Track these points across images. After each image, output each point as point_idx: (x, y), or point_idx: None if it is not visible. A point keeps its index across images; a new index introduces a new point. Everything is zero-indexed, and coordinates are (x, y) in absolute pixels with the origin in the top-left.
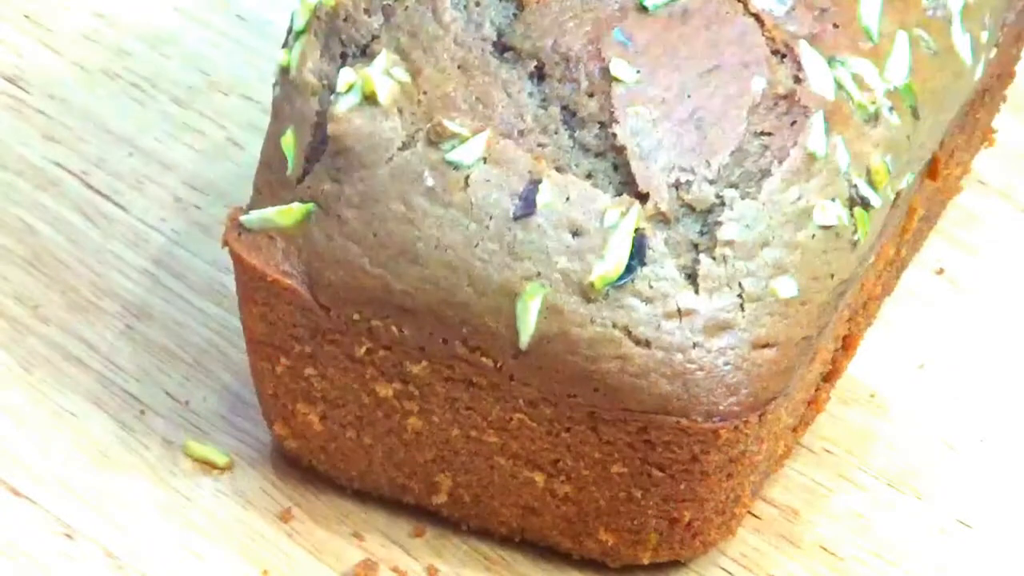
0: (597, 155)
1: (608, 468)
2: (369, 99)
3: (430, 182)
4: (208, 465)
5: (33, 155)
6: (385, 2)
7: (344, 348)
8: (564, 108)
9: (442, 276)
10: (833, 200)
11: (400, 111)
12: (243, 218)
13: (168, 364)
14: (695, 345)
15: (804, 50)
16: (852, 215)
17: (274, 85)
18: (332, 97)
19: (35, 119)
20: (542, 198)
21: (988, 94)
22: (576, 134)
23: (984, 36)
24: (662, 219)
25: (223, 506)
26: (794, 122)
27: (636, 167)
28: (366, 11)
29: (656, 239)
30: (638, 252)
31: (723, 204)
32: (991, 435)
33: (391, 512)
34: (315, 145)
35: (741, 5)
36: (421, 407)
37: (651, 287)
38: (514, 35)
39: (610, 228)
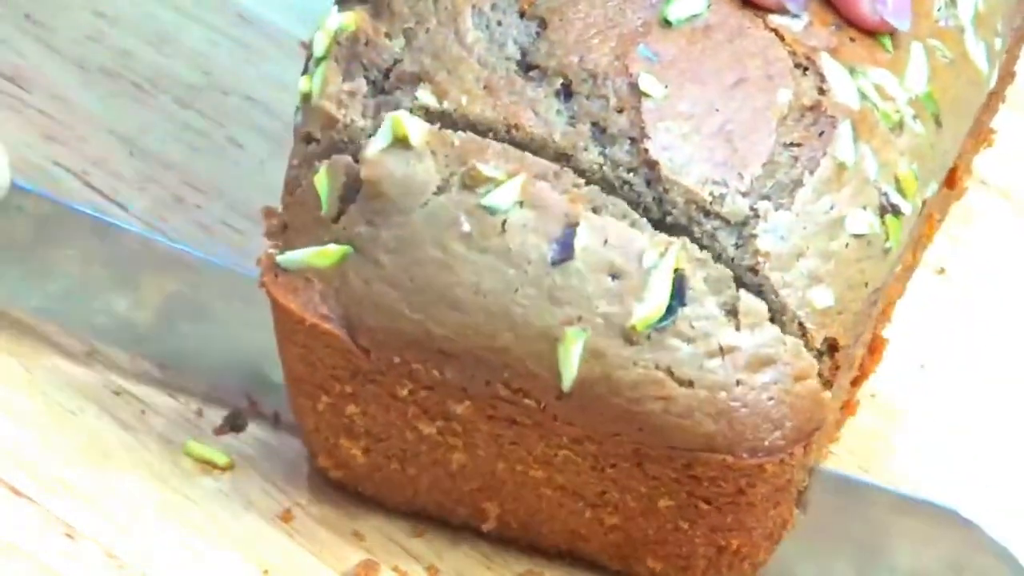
0: (629, 170)
1: (655, 501)
2: (401, 141)
3: (466, 227)
4: (209, 465)
5: (33, 155)
6: (406, 25)
7: (386, 388)
8: (594, 125)
9: (482, 322)
10: (864, 208)
11: (434, 153)
12: (279, 258)
13: (168, 364)
14: (738, 383)
15: (826, 62)
16: (883, 223)
17: (296, 111)
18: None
19: (35, 119)
20: (579, 242)
21: (992, 97)
22: (607, 151)
23: (998, 43)
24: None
25: (224, 506)
26: (822, 132)
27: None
28: (387, 35)
29: (696, 277)
30: (678, 292)
31: (757, 216)
32: (991, 435)
33: (391, 512)
34: (349, 184)
35: (760, 20)
36: (465, 443)
37: (692, 327)
38: (538, 53)
39: (649, 269)
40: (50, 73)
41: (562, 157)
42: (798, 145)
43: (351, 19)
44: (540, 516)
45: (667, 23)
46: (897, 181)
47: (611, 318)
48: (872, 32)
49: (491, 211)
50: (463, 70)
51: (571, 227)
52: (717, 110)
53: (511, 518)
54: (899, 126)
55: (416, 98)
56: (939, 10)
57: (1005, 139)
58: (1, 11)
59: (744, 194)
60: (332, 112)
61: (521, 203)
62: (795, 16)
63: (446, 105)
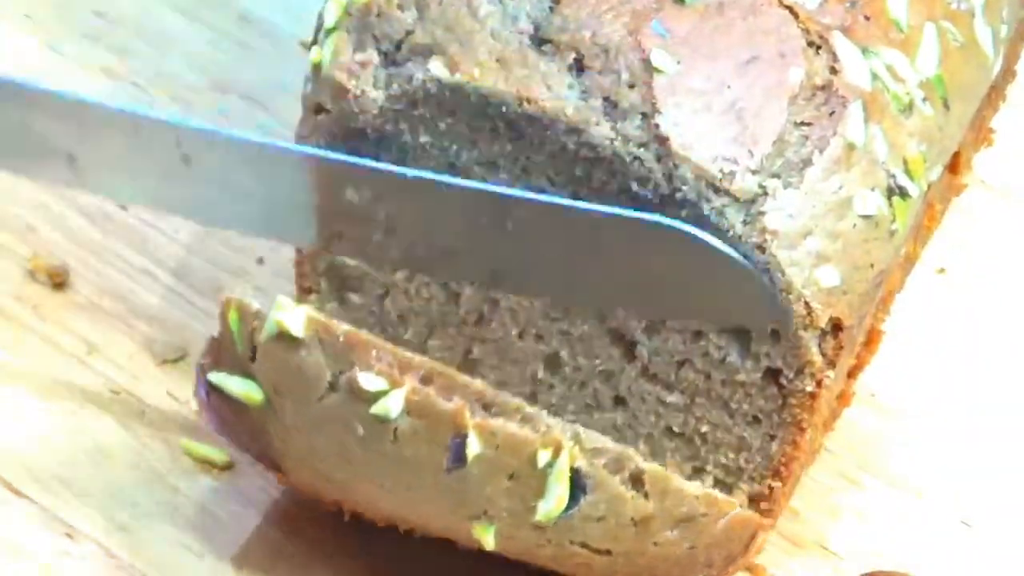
0: (640, 145)
1: None
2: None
3: (360, 432)
4: (208, 464)
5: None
6: None
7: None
8: (605, 99)
9: (395, 507)
10: (873, 190)
11: (322, 342)
12: (211, 377)
13: (168, 364)
14: (655, 544)
15: (839, 41)
16: (891, 204)
17: (305, 81)
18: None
19: None
20: (471, 450)
21: (994, 91)
22: (618, 126)
23: (1004, 30)
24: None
25: (223, 506)
26: (832, 112)
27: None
28: (399, 6)
29: (595, 465)
30: (578, 485)
31: (766, 194)
32: (991, 434)
33: None
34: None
35: None
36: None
37: (599, 508)
38: (551, 27)
39: (545, 468)
40: (50, 73)
41: (572, 132)
42: (808, 124)
43: None
44: None
45: (680, 1)
46: (905, 163)
47: (516, 513)
48: None
49: (381, 419)
50: (476, 43)
51: (460, 438)
52: (729, 87)
53: None
54: (909, 108)
55: (428, 70)
56: None
57: (1005, 139)
58: (1, 11)
59: (754, 172)
60: (343, 82)
61: (408, 412)
62: None
63: (458, 77)
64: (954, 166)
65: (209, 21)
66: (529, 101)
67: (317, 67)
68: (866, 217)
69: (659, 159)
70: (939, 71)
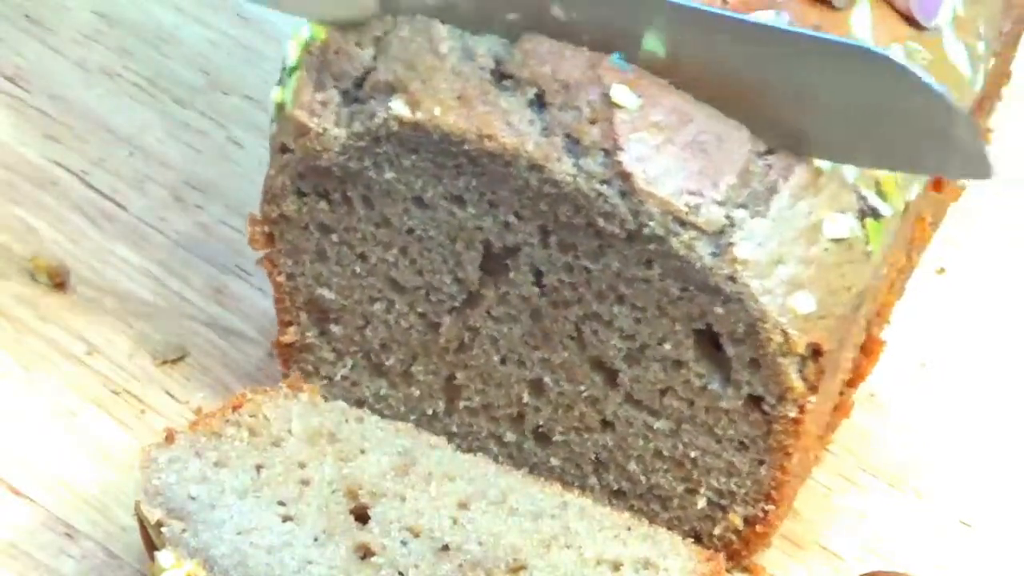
0: (603, 182)
1: None
2: None
3: None
4: None
5: (33, 155)
6: (376, 34)
7: None
8: (567, 136)
9: None
10: (843, 212)
11: None
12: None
13: (168, 364)
14: None
15: None
16: (863, 226)
17: (271, 121)
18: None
19: (35, 119)
20: None
21: (987, 98)
22: (580, 162)
23: (980, 46)
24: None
25: None
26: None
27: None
28: (358, 44)
29: None
30: None
31: (733, 224)
32: (991, 434)
33: None
34: None
35: None
36: None
37: None
38: (512, 62)
39: None
40: (50, 73)
41: (534, 169)
42: (772, 152)
43: (321, 29)
44: None
45: None
46: (878, 184)
47: None
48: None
49: None
50: (437, 80)
51: None
52: (691, 120)
53: None
54: None
55: (390, 108)
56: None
57: (1004, 138)
58: (1, 11)
59: (720, 203)
60: (304, 121)
61: None
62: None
63: (419, 116)
64: (937, 183)
65: (209, 21)
66: (490, 138)
67: (280, 107)
68: (838, 240)
69: (623, 195)
70: None
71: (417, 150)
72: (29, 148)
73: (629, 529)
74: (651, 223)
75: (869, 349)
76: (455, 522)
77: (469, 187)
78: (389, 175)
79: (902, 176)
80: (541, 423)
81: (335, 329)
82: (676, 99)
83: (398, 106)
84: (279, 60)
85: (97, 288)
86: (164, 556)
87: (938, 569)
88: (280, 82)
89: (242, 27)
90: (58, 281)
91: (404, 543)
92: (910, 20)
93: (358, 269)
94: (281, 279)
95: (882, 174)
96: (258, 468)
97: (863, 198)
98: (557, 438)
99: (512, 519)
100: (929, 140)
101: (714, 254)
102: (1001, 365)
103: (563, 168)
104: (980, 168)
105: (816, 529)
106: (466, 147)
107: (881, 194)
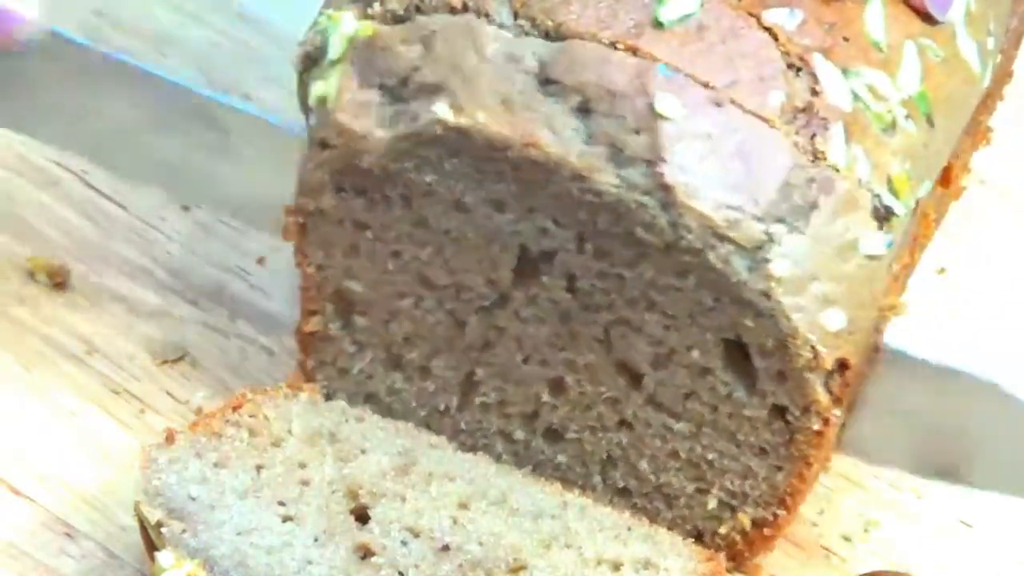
0: (645, 192)
1: None
2: None
3: None
4: None
5: (33, 155)
6: (423, 32)
7: None
8: (611, 145)
9: None
10: (878, 230)
11: None
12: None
13: (168, 364)
14: None
15: (819, 62)
16: (879, 227)
17: (309, 112)
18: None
19: None
20: None
21: (990, 97)
22: (623, 172)
23: (990, 43)
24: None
25: None
26: (814, 135)
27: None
28: (403, 41)
29: None
30: None
31: (771, 240)
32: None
33: None
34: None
35: (754, 20)
36: None
37: None
38: (557, 67)
39: None
40: None
41: (577, 179)
42: (814, 164)
43: (368, 25)
44: None
45: (659, 24)
46: (890, 182)
47: None
48: (917, 11)
49: None
50: (481, 84)
51: None
52: (736, 130)
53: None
54: (892, 126)
55: (433, 112)
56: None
57: (1004, 138)
58: None
59: (759, 219)
60: (347, 123)
61: None
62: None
63: (463, 120)
64: (945, 179)
65: (209, 21)
66: (534, 147)
67: (323, 100)
68: (872, 257)
69: (664, 207)
70: (922, 88)
71: (459, 154)
72: (29, 148)
73: (629, 529)
74: (689, 235)
75: (874, 349)
76: (455, 522)
77: (510, 192)
78: (430, 177)
79: (914, 172)
80: (555, 421)
81: (359, 321)
82: (722, 109)
83: (442, 109)
84: (279, 60)
85: (97, 288)
86: (164, 556)
87: (938, 569)
88: (306, 68)
89: (242, 27)
90: (58, 281)
91: (404, 543)
92: (923, 15)
93: (390, 265)
94: (311, 270)
95: (894, 172)
96: (258, 468)
97: (877, 196)
98: (569, 435)
99: (512, 519)
100: None
101: (750, 268)
102: (1000, 365)
103: (606, 179)
104: None
105: (816, 529)
106: (509, 154)
107: (894, 192)
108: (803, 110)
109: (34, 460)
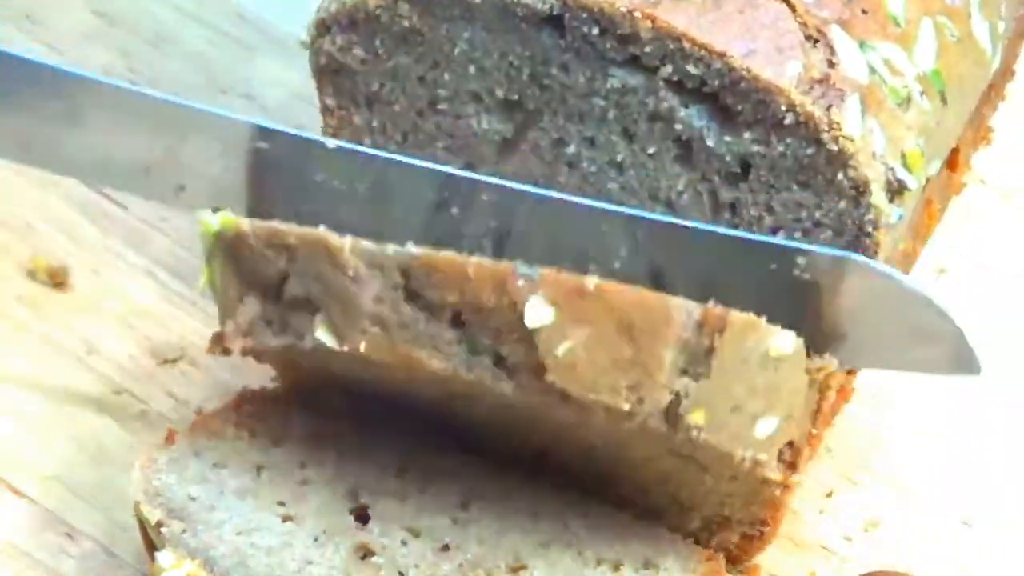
0: (540, 394)
1: None
2: None
3: None
4: None
5: None
6: (284, 240)
7: None
8: (495, 355)
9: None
10: (784, 331)
11: None
12: None
13: (168, 364)
14: None
15: (836, 34)
16: (890, 200)
17: (205, 291)
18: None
19: None
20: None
21: (993, 89)
22: (514, 379)
23: (1001, 26)
24: None
25: None
26: (830, 106)
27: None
28: (269, 245)
29: None
30: None
31: (679, 397)
32: (992, 434)
33: None
34: None
35: None
36: None
37: None
38: (419, 281)
39: None
40: None
41: (474, 386)
42: (702, 307)
43: (227, 221)
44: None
45: None
46: (904, 156)
47: None
48: None
49: None
50: (351, 306)
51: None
52: (612, 308)
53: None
54: (907, 101)
55: (316, 338)
56: None
57: (1005, 139)
58: (1, 11)
59: (661, 386)
60: (237, 345)
61: None
62: None
63: (347, 348)
64: (952, 163)
65: (209, 21)
66: (422, 369)
67: (212, 287)
68: (786, 357)
69: (564, 401)
70: (936, 65)
71: (355, 360)
72: None
73: (629, 529)
74: (598, 417)
75: None
76: (455, 522)
77: (418, 378)
78: (336, 365)
79: (927, 149)
80: (534, 452)
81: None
82: (590, 292)
83: (323, 335)
84: (279, 60)
85: (97, 288)
86: (164, 556)
87: (938, 569)
88: (206, 259)
89: (242, 27)
90: (58, 281)
91: (404, 543)
92: None
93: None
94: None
95: (908, 147)
96: (258, 468)
97: (891, 169)
98: (551, 464)
99: (512, 519)
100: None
101: (669, 426)
102: (1000, 365)
103: (501, 386)
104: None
105: (816, 529)
106: (398, 375)
107: (907, 167)
108: (820, 81)
109: (34, 460)
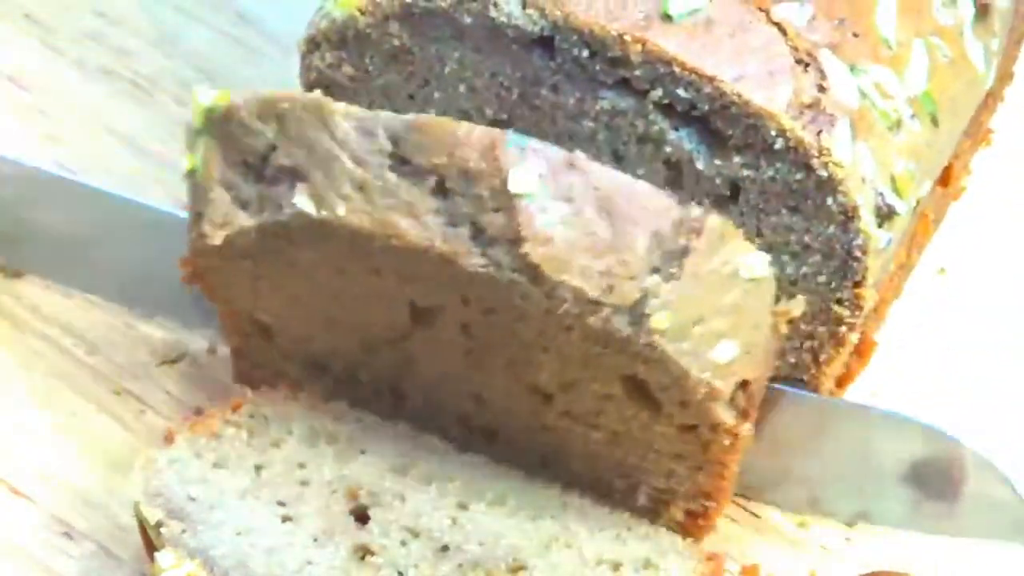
0: (514, 270)
1: None
2: None
3: None
4: None
5: (33, 155)
6: (276, 110)
7: None
8: (473, 224)
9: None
10: (757, 251)
11: None
12: None
13: (168, 364)
14: None
15: (827, 58)
16: (879, 225)
17: (188, 188)
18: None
19: (35, 119)
20: None
21: (991, 97)
22: (489, 252)
23: (995, 44)
24: None
25: None
26: (820, 131)
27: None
28: (259, 117)
29: None
30: None
31: (647, 296)
32: (991, 435)
33: None
34: None
35: (763, 14)
36: None
37: None
38: (408, 145)
39: None
40: (50, 73)
41: (445, 262)
42: (682, 204)
43: (224, 94)
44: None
45: (668, 17)
46: (893, 180)
47: None
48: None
49: None
50: (336, 170)
51: None
52: (596, 187)
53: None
54: (897, 125)
55: (294, 204)
56: (939, 8)
57: (1005, 139)
58: (1, 11)
59: (632, 277)
60: (214, 232)
61: None
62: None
63: (324, 214)
64: (945, 179)
65: (209, 21)
66: (398, 237)
67: (192, 174)
68: (754, 280)
69: (534, 282)
70: (928, 87)
71: (328, 240)
72: (29, 148)
73: (629, 529)
74: (566, 304)
75: (863, 349)
76: (455, 522)
77: (387, 264)
78: (306, 255)
79: (917, 171)
80: (485, 424)
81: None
82: (577, 168)
83: (303, 201)
84: (279, 60)
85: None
86: (164, 556)
87: (938, 569)
88: (189, 144)
89: (242, 27)
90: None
91: (404, 543)
92: None
93: (294, 305)
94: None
95: (898, 170)
96: (258, 469)
97: (880, 194)
98: (501, 437)
99: (512, 519)
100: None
101: (632, 324)
102: (1000, 365)
103: (474, 261)
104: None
105: (816, 528)
106: (375, 244)
107: (896, 191)
108: (810, 106)
109: (34, 460)
